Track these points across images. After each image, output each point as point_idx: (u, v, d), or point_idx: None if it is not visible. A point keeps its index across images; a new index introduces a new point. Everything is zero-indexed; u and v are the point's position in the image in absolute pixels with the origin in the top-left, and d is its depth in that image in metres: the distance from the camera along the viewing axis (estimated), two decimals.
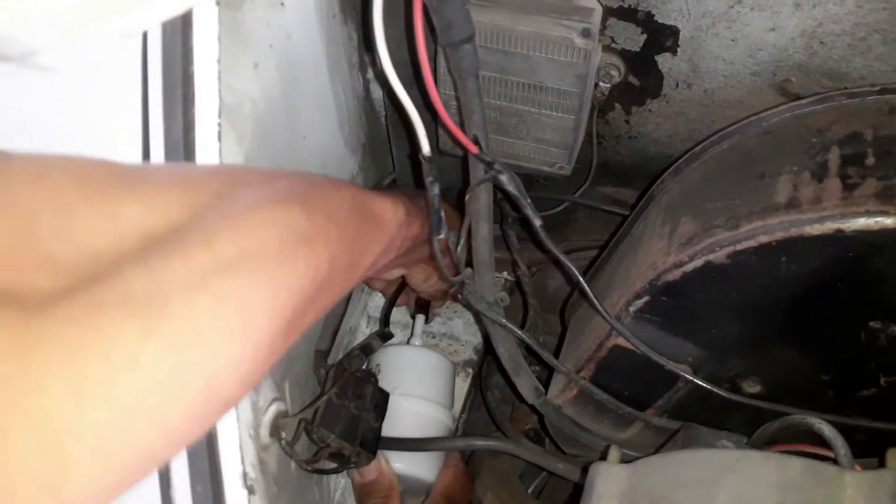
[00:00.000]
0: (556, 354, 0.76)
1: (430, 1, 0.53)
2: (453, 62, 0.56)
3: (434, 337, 1.00)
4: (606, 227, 0.90)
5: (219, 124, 0.52)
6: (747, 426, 0.61)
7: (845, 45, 0.66)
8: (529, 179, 0.92)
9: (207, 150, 0.51)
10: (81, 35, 0.33)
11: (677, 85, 0.74)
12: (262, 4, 0.65)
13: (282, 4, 0.68)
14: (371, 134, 0.92)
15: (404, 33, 0.70)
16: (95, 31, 0.33)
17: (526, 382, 0.67)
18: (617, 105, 0.79)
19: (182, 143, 0.52)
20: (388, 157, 0.95)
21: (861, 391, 0.56)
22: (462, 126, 0.59)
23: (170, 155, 0.53)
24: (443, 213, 0.58)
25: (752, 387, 0.59)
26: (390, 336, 0.84)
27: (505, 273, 0.97)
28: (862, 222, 0.46)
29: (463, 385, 0.96)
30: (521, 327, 0.87)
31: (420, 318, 0.90)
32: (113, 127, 0.56)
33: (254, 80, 0.64)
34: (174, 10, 0.46)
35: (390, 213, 0.60)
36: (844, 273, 0.49)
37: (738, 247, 0.50)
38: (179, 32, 0.51)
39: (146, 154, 0.54)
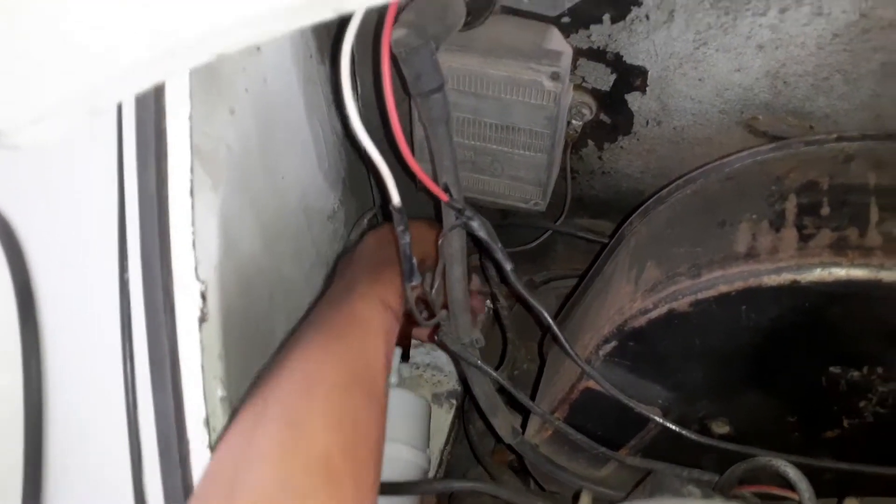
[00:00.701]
0: (537, 385, 0.77)
1: (399, 53, 0.53)
2: (423, 111, 0.57)
3: (418, 368, 1.00)
4: (586, 256, 0.91)
5: (191, 180, 0.53)
6: (720, 464, 0.62)
7: (808, 85, 0.67)
8: (506, 212, 0.93)
9: (179, 206, 0.52)
10: (51, 120, 0.34)
11: (647, 123, 0.75)
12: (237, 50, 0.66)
13: (258, 49, 0.69)
14: (351, 169, 0.93)
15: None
16: (65, 114, 0.34)
17: (503, 423, 0.68)
18: (590, 142, 0.80)
19: (156, 197, 0.53)
20: (369, 190, 0.96)
21: (826, 433, 0.57)
22: (434, 172, 0.60)
23: (144, 208, 0.53)
24: (415, 261, 0.60)
25: (721, 428, 0.60)
26: None
27: (487, 301, 0.98)
28: (816, 274, 0.47)
29: (447, 417, 0.96)
30: (501, 361, 0.88)
31: (397, 351, 0.90)
32: (90, 181, 0.57)
33: (230, 125, 0.65)
34: (146, 85, 0.46)
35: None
36: (802, 321, 0.50)
37: (700, 296, 0.51)
38: (152, 90, 0.52)
39: (122, 207, 0.55)
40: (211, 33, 0.33)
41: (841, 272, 0.47)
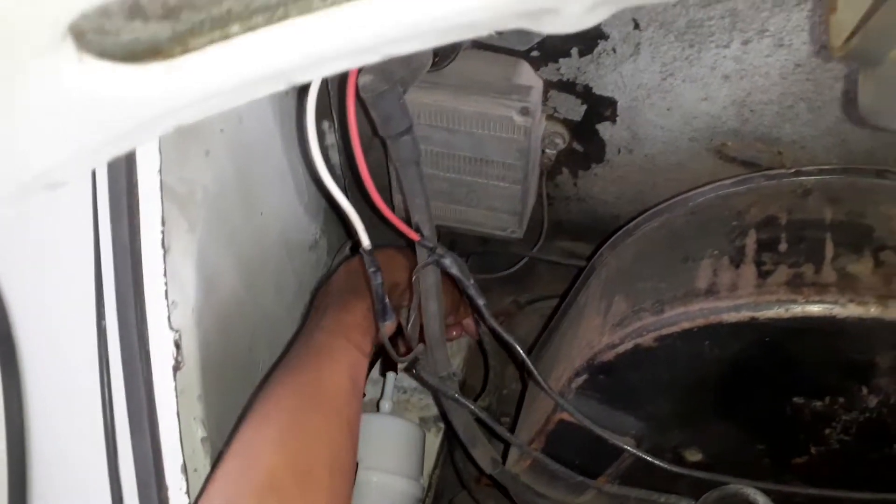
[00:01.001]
0: (520, 410, 0.78)
1: (366, 97, 0.55)
2: (393, 153, 0.58)
3: (405, 392, 1.01)
4: (567, 277, 0.92)
5: (162, 231, 0.54)
6: (694, 489, 0.63)
7: (774, 113, 0.69)
8: (486, 238, 0.94)
9: (151, 258, 0.53)
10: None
11: (619, 151, 0.77)
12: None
13: None
14: (332, 198, 0.94)
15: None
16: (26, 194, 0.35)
17: (482, 454, 0.69)
18: (564, 169, 0.81)
19: (129, 249, 0.54)
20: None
21: (795, 459, 0.58)
22: (407, 211, 0.61)
23: (118, 260, 0.55)
24: (387, 301, 0.61)
25: (693, 456, 0.61)
26: None
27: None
28: (773, 311, 0.48)
29: (435, 440, 0.96)
30: (483, 389, 0.90)
31: (391, 376, 0.90)
32: (68, 232, 0.58)
33: (206, 167, 0.66)
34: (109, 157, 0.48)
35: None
36: (763, 355, 0.51)
37: (664, 332, 0.52)
38: None
39: (97, 258, 0.56)
40: (166, 112, 0.34)
41: (797, 309, 0.48)
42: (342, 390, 0.60)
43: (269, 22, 0.33)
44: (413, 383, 1.02)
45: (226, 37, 0.32)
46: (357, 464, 0.75)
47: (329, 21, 0.33)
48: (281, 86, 0.36)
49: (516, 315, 1.03)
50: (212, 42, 0.32)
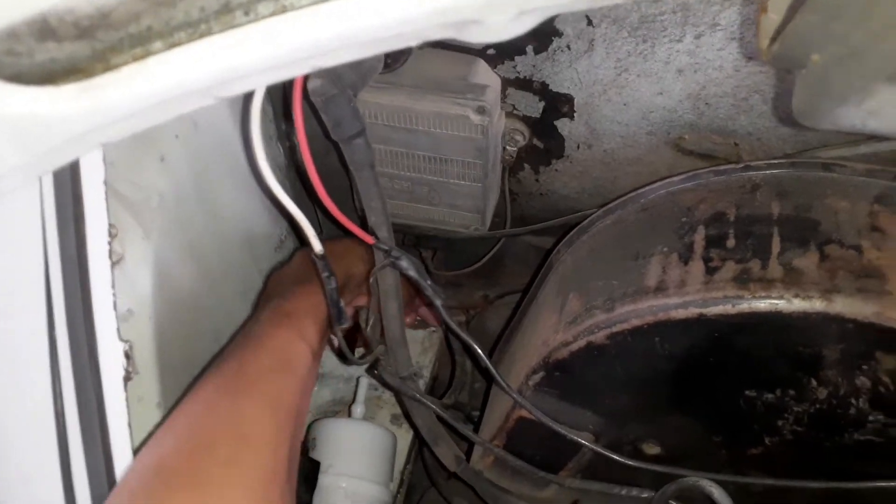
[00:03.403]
0: (485, 405, 0.78)
1: (316, 101, 0.54)
2: (347, 156, 0.58)
3: (377, 389, 1.01)
4: (534, 269, 0.93)
5: (109, 242, 0.53)
6: (654, 482, 0.63)
7: (729, 105, 0.69)
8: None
9: (99, 269, 0.53)
10: None
11: (578, 146, 0.77)
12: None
13: None
14: (298, 198, 0.94)
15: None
16: None
17: (446, 451, 0.69)
18: (526, 165, 0.81)
19: (76, 261, 0.53)
20: (315, 215, 0.97)
21: (750, 451, 0.59)
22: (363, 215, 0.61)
23: (66, 270, 0.54)
24: (342, 304, 0.61)
25: (651, 449, 0.61)
26: None
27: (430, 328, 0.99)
28: (720, 308, 0.49)
29: (406, 437, 0.97)
30: (449, 386, 0.90)
31: (363, 381, 0.89)
32: (17, 241, 0.57)
33: (161, 173, 0.65)
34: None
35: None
36: (713, 350, 0.52)
37: (614, 329, 0.52)
38: None
39: (46, 269, 0.55)
40: (90, 129, 0.34)
41: (743, 305, 0.48)
42: (265, 370, 0.57)
43: (191, 38, 0.33)
44: None
45: (148, 54, 0.32)
46: (301, 448, 0.73)
47: (253, 35, 0.33)
48: (209, 100, 0.36)
49: (486, 309, 1.04)
50: (135, 59, 0.32)
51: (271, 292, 0.70)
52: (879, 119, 0.34)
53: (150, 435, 0.57)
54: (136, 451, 0.52)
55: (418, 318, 0.93)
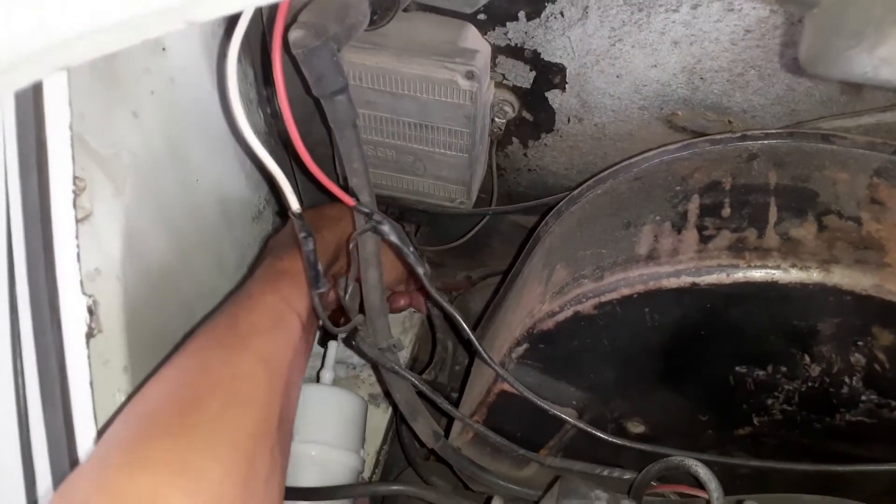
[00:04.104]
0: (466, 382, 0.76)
1: (297, 54, 0.52)
2: (329, 113, 0.55)
3: (354, 368, 0.99)
4: (520, 250, 0.91)
5: (74, 191, 0.51)
6: (638, 461, 0.62)
7: (724, 81, 0.67)
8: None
9: (62, 219, 0.50)
10: None
11: (569, 120, 0.75)
12: (140, 51, 0.64)
13: (163, 49, 0.67)
14: (279, 165, 0.91)
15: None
16: None
17: (424, 427, 0.67)
18: (514, 139, 0.79)
19: (39, 211, 0.50)
20: (296, 185, 0.94)
21: (738, 430, 0.57)
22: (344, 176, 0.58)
23: (28, 220, 0.51)
24: (320, 267, 0.58)
25: (636, 427, 0.60)
26: None
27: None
28: (714, 276, 0.47)
29: (383, 417, 0.94)
30: (430, 362, 0.88)
31: (332, 346, 0.86)
32: None
33: (133, 129, 0.63)
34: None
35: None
36: (705, 322, 0.50)
37: (603, 298, 0.50)
38: (31, 99, 0.50)
39: (7, 219, 0.52)
40: (53, 46, 0.31)
41: (738, 274, 0.46)
42: (257, 327, 0.56)
43: None
44: (362, 360, 0.99)
45: None
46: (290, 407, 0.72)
47: None
48: (178, 24, 0.34)
49: (469, 291, 1.02)
50: None
51: (269, 252, 0.69)
52: (893, 67, 0.32)
53: (115, 398, 0.54)
54: (96, 410, 0.49)
55: (410, 306, 0.91)
